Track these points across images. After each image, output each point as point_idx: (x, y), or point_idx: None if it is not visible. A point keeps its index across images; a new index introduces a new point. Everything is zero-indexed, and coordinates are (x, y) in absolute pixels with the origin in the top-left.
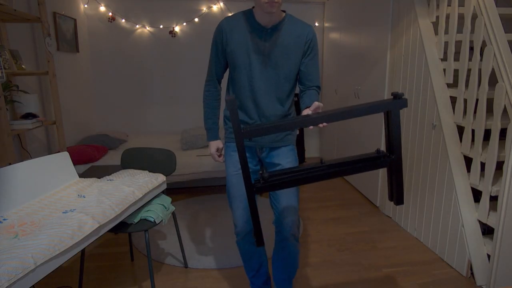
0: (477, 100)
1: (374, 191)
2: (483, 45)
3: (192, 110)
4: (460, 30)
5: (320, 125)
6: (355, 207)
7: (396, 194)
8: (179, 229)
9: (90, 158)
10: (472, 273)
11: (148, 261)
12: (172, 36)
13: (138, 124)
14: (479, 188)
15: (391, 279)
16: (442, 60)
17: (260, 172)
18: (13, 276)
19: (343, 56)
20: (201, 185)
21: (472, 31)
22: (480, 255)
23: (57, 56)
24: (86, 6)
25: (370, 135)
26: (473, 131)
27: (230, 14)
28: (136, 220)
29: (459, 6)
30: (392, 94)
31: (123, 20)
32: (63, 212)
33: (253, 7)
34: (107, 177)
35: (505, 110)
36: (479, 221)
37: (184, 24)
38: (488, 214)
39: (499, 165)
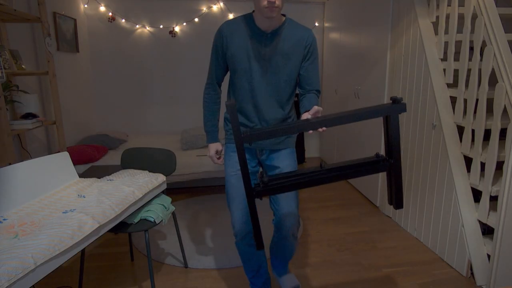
0: (477, 100)
1: (374, 191)
2: (483, 45)
3: (192, 110)
4: (460, 30)
5: (320, 129)
6: (355, 207)
7: (396, 198)
8: (179, 229)
9: (90, 158)
10: (472, 273)
11: (148, 261)
12: (172, 36)
13: (138, 124)
14: (479, 188)
15: (391, 279)
16: (442, 60)
17: (260, 176)
18: (13, 276)
19: (343, 56)
20: (201, 185)
21: (472, 31)
22: (480, 255)
23: (57, 56)
24: (86, 6)
25: (370, 135)
26: (473, 131)
27: (230, 14)
28: (136, 220)
29: (459, 6)
30: (391, 98)
31: (123, 20)
32: (63, 212)
33: (253, 11)
34: (107, 177)
35: (505, 110)
36: (479, 221)
37: (184, 24)
38: (488, 214)
39: (499, 165)
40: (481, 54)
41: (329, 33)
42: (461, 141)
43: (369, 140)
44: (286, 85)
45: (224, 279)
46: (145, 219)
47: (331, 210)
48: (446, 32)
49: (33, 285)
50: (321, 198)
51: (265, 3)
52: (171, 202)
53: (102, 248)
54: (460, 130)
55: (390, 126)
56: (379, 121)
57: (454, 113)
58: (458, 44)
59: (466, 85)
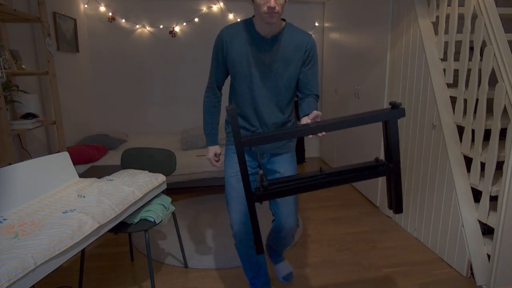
0: (477, 100)
1: (374, 191)
2: (483, 45)
3: (192, 110)
4: (460, 30)
5: (319, 134)
6: (355, 207)
7: (395, 202)
8: (179, 229)
9: (90, 158)
10: (472, 273)
11: (148, 261)
12: (172, 36)
13: (138, 124)
14: (479, 188)
15: (391, 279)
16: (442, 60)
17: (260, 180)
18: (13, 276)
19: (343, 56)
20: (201, 185)
21: (472, 31)
22: (480, 255)
23: (57, 56)
24: (86, 6)
25: (370, 135)
26: (473, 131)
27: (230, 14)
28: (136, 220)
29: (459, 6)
30: (390, 103)
31: (123, 20)
32: (63, 212)
33: (253, 16)
34: (107, 177)
35: (505, 110)
36: (479, 221)
37: (184, 24)
38: (488, 214)
39: (499, 165)
40: (481, 54)
41: (329, 33)
42: (461, 141)
43: (369, 140)
44: (286, 90)
45: (224, 279)
46: (145, 219)
47: (331, 210)
48: (446, 32)
49: (33, 285)
50: (321, 198)
51: (265, 9)
52: (171, 202)
53: (102, 248)
54: (460, 130)
55: (389, 131)
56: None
57: (454, 113)
58: (458, 44)
59: (466, 85)
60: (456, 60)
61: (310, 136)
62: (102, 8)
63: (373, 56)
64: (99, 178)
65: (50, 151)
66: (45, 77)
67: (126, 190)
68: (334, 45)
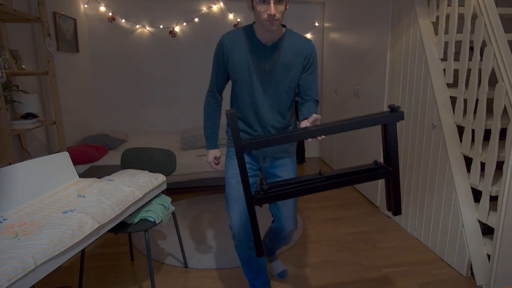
0: (477, 100)
1: (374, 191)
2: (483, 45)
3: (192, 110)
4: (460, 30)
5: (319, 137)
6: (355, 207)
7: (394, 205)
8: (179, 229)
9: (90, 158)
10: (472, 273)
11: (148, 261)
12: (172, 36)
13: (138, 124)
14: (479, 188)
15: (391, 279)
16: (442, 60)
17: (260, 183)
18: (13, 276)
19: (343, 56)
20: (201, 185)
21: (472, 31)
22: (480, 255)
23: (57, 56)
24: (86, 6)
25: (370, 135)
26: (473, 131)
27: (230, 14)
28: (136, 220)
29: (459, 6)
30: (389, 106)
31: (123, 20)
32: (63, 212)
33: (254, 22)
34: (107, 177)
35: (505, 110)
36: (479, 221)
37: (184, 24)
38: (488, 214)
39: (499, 165)
40: (481, 54)
41: (329, 33)
42: (461, 141)
43: (369, 140)
44: (287, 95)
45: (224, 279)
46: (145, 219)
47: (331, 210)
48: (446, 32)
49: (33, 285)
50: (321, 198)
51: (265, 16)
52: (171, 202)
53: (102, 248)
54: (460, 130)
55: (388, 134)
56: None
57: (454, 113)
58: (458, 44)
59: (466, 85)
60: (456, 60)
61: (310, 139)
62: (102, 8)
63: (373, 56)
64: (99, 178)
65: (50, 151)
66: (45, 77)
67: (126, 190)
68: (334, 45)
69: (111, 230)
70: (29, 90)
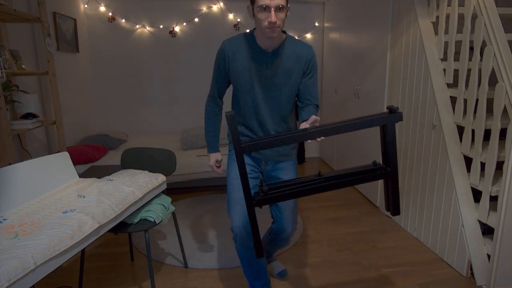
0: (477, 100)
1: (374, 191)
2: (483, 45)
3: (192, 110)
4: (460, 30)
5: (318, 139)
6: (355, 207)
7: (393, 205)
8: (179, 229)
9: (90, 158)
10: (472, 273)
11: (148, 261)
12: (172, 36)
13: (138, 124)
14: (479, 188)
15: (391, 279)
16: (442, 60)
17: (260, 185)
18: (13, 276)
19: (343, 56)
20: (201, 185)
21: (472, 31)
22: (480, 255)
23: (57, 56)
24: (86, 6)
25: (370, 135)
26: (473, 131)
27: (230, 14)
28: (136, 220)
29: (459, 6)
30: (387, 108)
31: (123, 20)
32: (63, 212)
33: (254, 28)
34: (107, 177)
35: (505, 110)
36: (479, 221)
37: (184, 24)
38: (488, 214)
39: (499, 165)
40: (481, 54)
41: (329, 33)
42: (461, 141)
43: (369, 140)
44: (288, 100)
45: (224, 279)
46: (145, 219)
47: (331, 210)
48: (446, 32)
49: (33, 285)
50: (321, 198)
51: (266, 23)
52: (171, 202)
53: (102, 248)
54: (460, 130)
55: (387, 135)
56: None
57: (454, 113)
58: (458, 44)
59: (466, 85)
60: (456, 60)
61: (309, 141)
62: (102, 8)
63: (373, 56)
64: (99, 178)
65: (50, 151)
66: (45, 77)
67: (126, 190)
68: (334, 45)
69: (111, 230)
70: (29, 90)
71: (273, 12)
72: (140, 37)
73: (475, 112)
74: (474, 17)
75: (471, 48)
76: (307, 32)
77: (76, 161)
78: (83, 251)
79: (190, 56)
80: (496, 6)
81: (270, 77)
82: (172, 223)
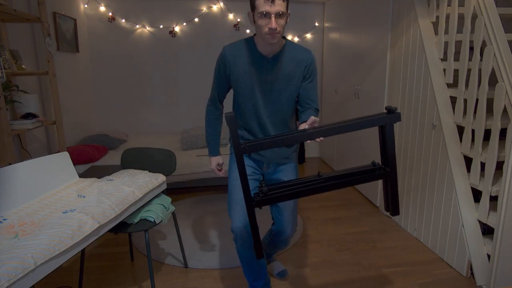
0: (477, 100)
1: (374, 191)
2: (483, 45)
3: (192, 110)
4: (460, 30)
5: (317, 139)
6: (355, 207)
7: (392, 205)
8: (179, 229)
9: (90, 158)
10: (472, 273)
11: (148, 261)
12: (172, 36)
13: (138, 124)
14: (479, 188)
15: (391, 279)
16: (442, 60)
17: (259, 186)
18: (13, 276)
19: (343, 56)
20: (201, 185)
21: (472, 31)
22: (480, 255)
23: (57, 56)
24: (86, 6)
25: (370, 135)
26: (473, 131)
27: (230, 14)
28: (136, 220)
29: (459, 6)
30: (386, 108)
31: (123, 20)
32: (63, 212)
33: (255, 34)
34: (107, 177)
35: (505, 110)
36: (479, 221)
37: (184, 24)
38: (488, 214)
39: (499, 165)
40: (481, 54)
41: (329, 33)
42: (461, 141)
43: (369, 140)
44: (288, 104)
45: (224, 279)
46: (145, 219)
47: (331, 210)
48: (446, 32)
49: (33, 285)
50: (321, 198)
51: (266, 30)
52: (171, 202)
53: (102, 248)
54: (460, 130)
55: (385, 135)
56: None
57: (454, 113)
58: (458, 44)
59: (466, 85)
60: (456, 60)
61: (308, 141)
62: (102, 8)
63: (373, 56)
64: (99, 178)
65: (50, 151)
66: (45, 77)
67: (126, 190)
68: (334, 45)
69: (111, 230)
70: (29, 90)
71: (273, 18)
72: (140, 37)
73: (475, 112)
74: (474, 17)
75: (471, 48)
76: (307, 32)
77: (76, 161)
78: (83, 251)
79: (190, 56)
80: (496, 6)
81: (270, 82)
82: (172, 223)
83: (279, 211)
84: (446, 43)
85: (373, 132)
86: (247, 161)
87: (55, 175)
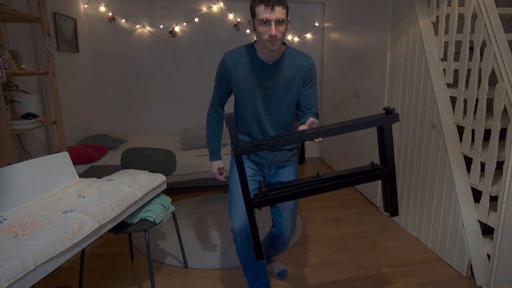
0: (477, 100)
1: (374, 191)
2: (483, 45)
3: (192, 110)
4: (460, 30)
5: (316, 140)
6: (355, 207)
7: (391, 205)
8: (179, 229)
9: (90, 158)
10: (472, 273)
11: (148, 261)
12: (172, 36)
13: (138, 124)
14: (479, 188)
15: (391, 279)
16: (442, 60)
17: (259, 187)
18: (13, 276)
19: (343, 56)
20: (201, 185)
21: (472, 31)
22: (480, 255)
23: (57, 56)
24: (86, 6)
25: (370, 135)
26: (473, 131)
27: (230, 14)
28: (136, 220)
29: (459, 6)
30: (384, 109)
31: (123, 20)
32: (63, 212)
33: (255, 41)
34: (107, 177)
35: (505, 110)
36: (479, 221)
37: (184, 24)
38: (488, 214)
39: (499, 165)
40: (481, 54)
41: (329, 33)
42: (461, 141)
43: (369, 140)
44: (289, 110)
45: (224, 279)
46: (145, 219)
47: (331, 210)
48: (446, 32)
49: (33, 285)
50: (321, 198)
51: (266, 37)
52: (171, 202)
53: (102, 248)
54: (460, 130)
55: (383, 136)
56: None
57: (454, 113)
58: (458, 44)
59: (466, 85)
60: (456, 60)
61: (307, 142)
62: (102, 8)
63: (373, 56)
64: (99, 178)
65: (50, 151)
66: (45, 77)
67: (126, 190)
68: (334, 45)
69: (111, 230)
70: (29, 90)
71: (273, 25)
72: (140, 37)
73: (475, 112)
74: (474, 17)
75: (471, 48)
76: (307, 32)
77: (76, 161)
78: (83, 251)
79: (190, 56)
80: (496, 6)
81: (271, 88)
82: (172, 223)
83: (279, 213)
84: (446, 43)
85: (373, 132)
86: (248, 163)
87: (55, 175)
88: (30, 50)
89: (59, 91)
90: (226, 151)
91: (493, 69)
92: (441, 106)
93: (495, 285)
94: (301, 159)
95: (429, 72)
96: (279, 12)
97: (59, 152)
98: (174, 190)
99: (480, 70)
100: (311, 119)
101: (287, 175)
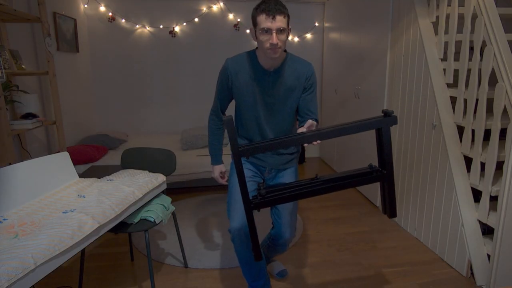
0: (477, 100)
1: (374, 191)
2: (483, 45)
3: (192, 110)
4: (460, 30)
5: (314, 142)
6: (355, 207)
7: (389, 207)
8: (179, 229)
9: (90, 158)
10: (472, 273)
11: (148, 261)
12: (172, 36)
13: (138, 124)
14: (479, 188)
15: (391, 279)
16: (442, 60)
17: (258, 188)
18: (13, 276)
19: (343, 56)
20: (201, 185)
21: (472, 31)
22: (480, 255)
23: (57, 56)
24: (86, 6)
25: (370, 135)
26: (473, 131)
27: (230, 14)
28: (136, 220)
29: (459, 6)
30: (382, 111)
31: (123, 20)
32: (63, 212)
33: (257, 48)
34: (107, 177)
35: (505, 110)
36: (479, 221)
37: (184, 24)
38: (488, 214)
39: (499, 165)
40: (481, 54)
41: (329, 33)
42: (461, 141)
43: (369, 140)
44: (289, 115)
45: (224, 279)
46: (145, 219)
47: (331, 210)
48: (446, 32)
49: (33, 285)
50: (321, 198)
51: (267, 45)
52: (171, 202)
53: (102, 248)
54: (460, 130)
55: (382, 138)
56: None
57: (454, 113)
58: (458, 44)
59: (466, 85)
60: (456, 60)
61: (306, 144)
62: (102, 8)
63: (373, 56)
64: (99, 178)
65: (50, 151)
66: (45, 77)
67: (126, 190)
68: (334, 45)
69: (111, 230)
70: (29, 90)
71: (274, 34)
72: (140, 37)
73: (475, 112)
74: (474, 17)
75: (471, 48)
76: (307, 32)
77: (76, 161)
78: (83, 251)
79: (190, 56)
80: (496, 6)
81: (272, 95)
82: (172, 223)
83: (278, 214)
84: (446, 43)
85: (373, 133)
86: (248, 165)
87: (55, 175)
88: (30, 50)
89: (59, 91)
90: (227, 151)
91: (493, 69)
92: (441, 106)
93: (495, 285)
94: (301, 159)
95: (429, 72)
96: (280, 21)
97: (59, 152)
98: (174, 190)
99: (480, 70)
100: (309, 121)
101: (287, 177)
